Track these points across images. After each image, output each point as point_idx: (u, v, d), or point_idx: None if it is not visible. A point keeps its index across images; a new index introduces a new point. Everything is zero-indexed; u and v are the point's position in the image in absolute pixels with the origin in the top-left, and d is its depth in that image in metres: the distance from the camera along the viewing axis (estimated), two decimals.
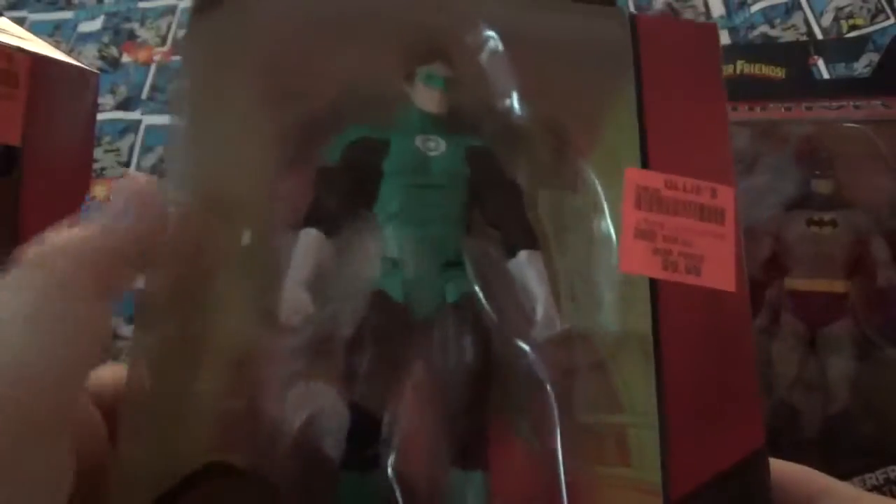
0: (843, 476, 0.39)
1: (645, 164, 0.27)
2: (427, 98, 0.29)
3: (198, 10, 0.26)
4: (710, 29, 0.30)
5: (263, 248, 0.26)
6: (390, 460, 0.24)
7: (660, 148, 0.27)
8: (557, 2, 0.31)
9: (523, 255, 0.27)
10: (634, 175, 0.26)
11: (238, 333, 0.25)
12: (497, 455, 0.25)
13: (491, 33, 0.29)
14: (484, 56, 0.29)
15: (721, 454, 0.24)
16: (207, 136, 0.26)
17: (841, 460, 0.41)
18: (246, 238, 0.26)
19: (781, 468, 0.25)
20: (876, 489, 0.39)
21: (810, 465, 0.40)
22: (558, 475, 0.25)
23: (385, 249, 0.27)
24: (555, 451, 0.25)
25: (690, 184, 0.26)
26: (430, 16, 0.29)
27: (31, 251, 0.19)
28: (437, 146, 0.28)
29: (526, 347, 0.26)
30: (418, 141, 0.28)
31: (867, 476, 0.40)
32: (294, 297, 0.25)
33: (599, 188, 0.28)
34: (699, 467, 0.23)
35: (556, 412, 0.25)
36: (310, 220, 0.27)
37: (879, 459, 0.40)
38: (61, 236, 0.20)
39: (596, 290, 0.27)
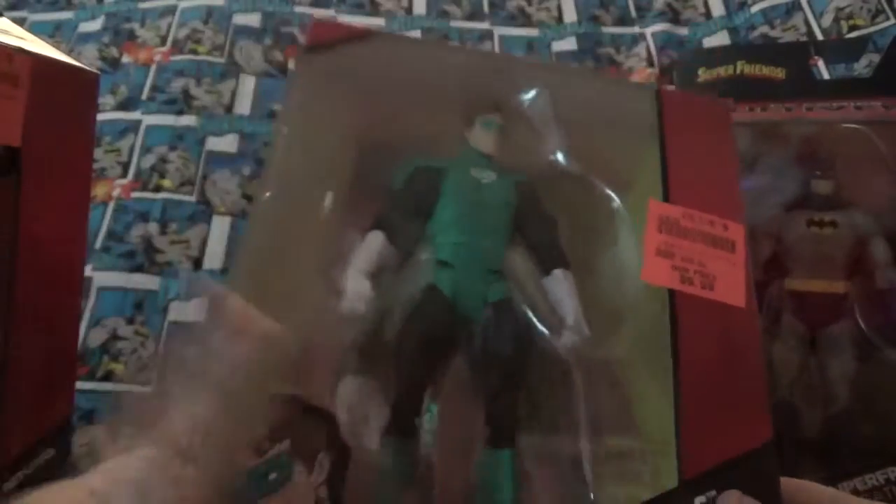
0: (843, 476, 0.39)
1: (667, 202, 0.32)
2: (483, 139, 0.35)
3: (310, 50, 0.33)
4: (723, 107, 0.36)
5: (336, 237, 0.31)
6: (429, 433, 0.28)
7: (679, 190, 0.32)
8: (596, 73, 0.36)
9: (558, 272, 0.32)
10: (657, 207, 0.32)
11: (301, 326, 0.28)
12: (526, 438, 0.29)
13: (540, 95, 0.35)
14: (532, 112, 0.34)
15: (730, 446, 0.27)
16: (303, 144, 0.32)
17: (841, 460, 0.41)
18: (326, 204, 0.31)
19: (788, 483, 0.26)
20: (876, 490, 0.39)
21: (810, 465, 0.40)
22: (582, 465, 0.28)
23: (438, 254, 0.32)
24: (578, 441, 0.29)
25: (705, 218, 0.32)
26: (491, 78, 0.36)
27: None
28: (488, 176, 0.34)
29: (557, 345, 0.30)
30: (473, 171, 0.34)
31: (867, 476, 0.40)
32: (356, 283, 0.30)
33: (629, 222, 0.33)
34: (709, 456, 0.26)
35: (580, 406, 0.29)
36: (377, 226, 0.32)
37: (879, 460, 0.40)
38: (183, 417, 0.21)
39: (622, 307, 0.31)
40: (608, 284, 0.32)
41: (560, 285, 0.32)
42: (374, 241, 0.31)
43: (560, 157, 0.34)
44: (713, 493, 0.26)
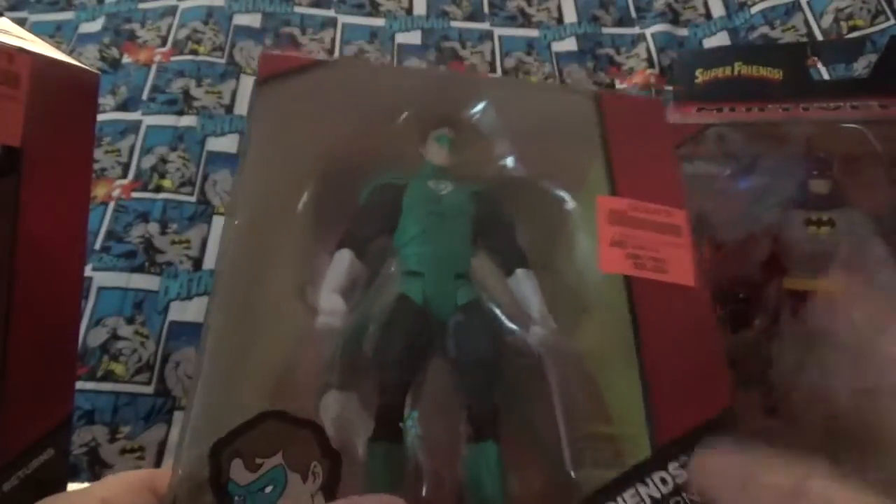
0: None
1: (613, 195, 0.34)
2: (437, 154, 0.36)
3: (264, 83, 0.35)
4: (656, 104, 0.41)
5: (305, 264, 0.32)
6: (413, 439, 0.29)
7: (624, 185, 0.35)
8: (539, 84, 0.39)
9: (520, 272, 0.34)
10: (605, 202, 0.34)
11: (281, 346, 0.30)
12: (507, 431, 0.30)
13: (486, 107, 0.37)
14: (481, 124, 0.37)
15: (697, 414, 0.29)
16: (267, 173, 0.33)
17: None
18: (296, 227, 0.32)
19: (710, 460, 0.27)
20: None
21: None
22: (562, 454, 0.29)
23: (406, 265, 0.33)
24: (557, 430, 0.30)
25: (651, 207, 0.34)
26: (439, 95, 0.38)
27: None
28: (445, 187, 0.35)
29: (526, 339, 0.32)
30: (430, 183, 0.35)
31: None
32: (329, 302, 0.31)
33: (580, 218, 0.35)
34: (679, 425, 0.28)
35: (555, 396, 0.30)
36: (344, 244, 0.33)
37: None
38: None
39: (583, 299, 0.33)
40: (569, 279, 0.34)
41: (523, 284, 0.33)
42: (343, 260, 0.32)
43: (511, 164, 0.36)
44: (685, 457, 0.27)
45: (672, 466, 0.28)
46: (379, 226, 0.34)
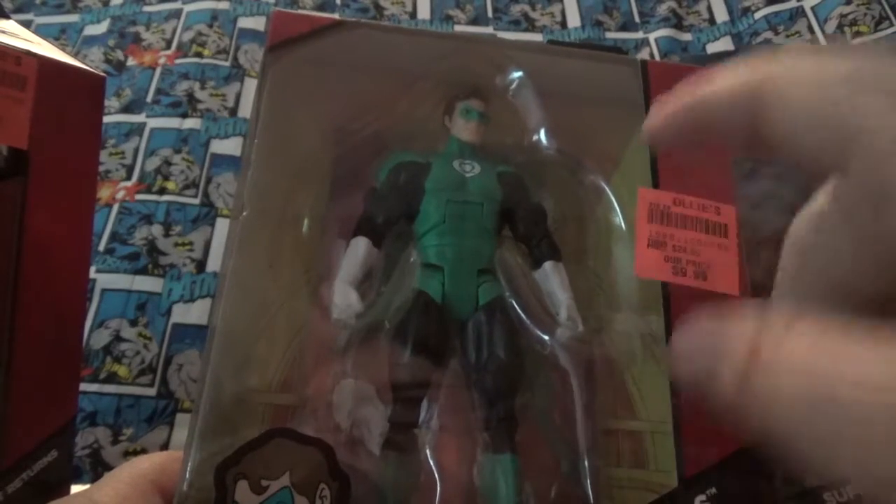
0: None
1: (656, 187, 0.31)
2: (464, 128, 0.33)
3: (274, 48, 0.32)
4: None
5: (319, 249, 0.30)
6: (428, 443, 0.27)
7: (669, 173, 0.31)
8: (575, 50, 0.36)
9: (548, 265, 0.31)
10: (647, 194, 0.31)
11: (291, 333, 0.28)
12: (525, 440, 0.28)
13: (522, 76, 0.34)
14: (513, 95, 0.34)
15: (729, 440, 0.26)
16: (278, 152, 0.31)
17: None
18: (305, 229, 0.30)
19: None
20: None
21: None
22: (581, 466, 0.28)
23: (425, 257, 0.31)
24: (577, 443, 0.28)
25: (697, 202, 0.31)
26: (470, 61, 0.34)
27: None
28: (472, 168, 0.32)
29: (550, 343, 0.30)
30: (456, 164, 0.33)
31: None
32: (344, 296, 0.29)
33: (617, 207, 0.32)
34: (708, 453, 0.26)
35: (578, 407, 0.29)
36: (360, 230, 0.31)
37: None
38: None
39: (615, 296, 0.31)
40: (600, 274, 0.32)
41: (551, 279, 0.31)
42: (359, 249, 0.30)
43: (544, 138, 0.33)
44: (713, 490, 0.26)
45: (699, 500, 0.26)
46: (398, 210, 0.32)
